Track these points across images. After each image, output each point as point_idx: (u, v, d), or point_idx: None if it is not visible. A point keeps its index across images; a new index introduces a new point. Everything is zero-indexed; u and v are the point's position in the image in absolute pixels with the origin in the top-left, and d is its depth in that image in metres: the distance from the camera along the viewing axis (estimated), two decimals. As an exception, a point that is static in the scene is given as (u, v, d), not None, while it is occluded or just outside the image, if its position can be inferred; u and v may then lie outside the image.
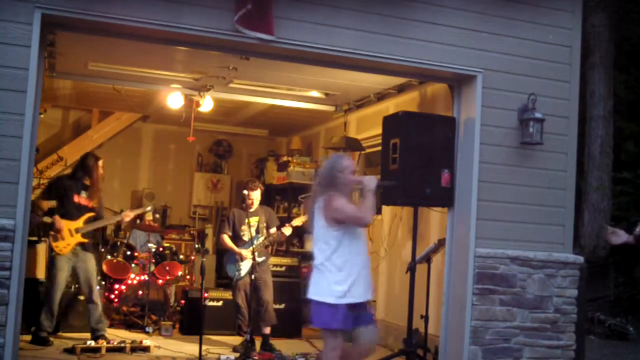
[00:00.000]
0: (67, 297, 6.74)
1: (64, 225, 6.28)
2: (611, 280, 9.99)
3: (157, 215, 9.54)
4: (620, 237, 4.99)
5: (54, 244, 6.28)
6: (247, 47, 5.25)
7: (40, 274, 7.07)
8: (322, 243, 4.33)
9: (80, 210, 6.40)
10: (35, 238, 7.20)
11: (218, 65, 6.40)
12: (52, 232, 6.29)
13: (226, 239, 6.72)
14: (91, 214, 6.44)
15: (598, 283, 9.31)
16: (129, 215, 6.76)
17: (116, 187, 10.25)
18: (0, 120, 4.52)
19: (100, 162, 6.55)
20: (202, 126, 9.98)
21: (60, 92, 8.83)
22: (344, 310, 4.25)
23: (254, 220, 6.51)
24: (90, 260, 6.46)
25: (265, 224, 6.74)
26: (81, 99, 9.42)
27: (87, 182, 6.47)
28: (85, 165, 6.53)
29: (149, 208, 7.48)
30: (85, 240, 6.39)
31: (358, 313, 4.33)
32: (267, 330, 6.63)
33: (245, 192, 6.68)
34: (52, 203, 6.45)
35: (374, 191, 4.36)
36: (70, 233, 6.31)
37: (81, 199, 6.42)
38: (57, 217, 6.29)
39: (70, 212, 6.36)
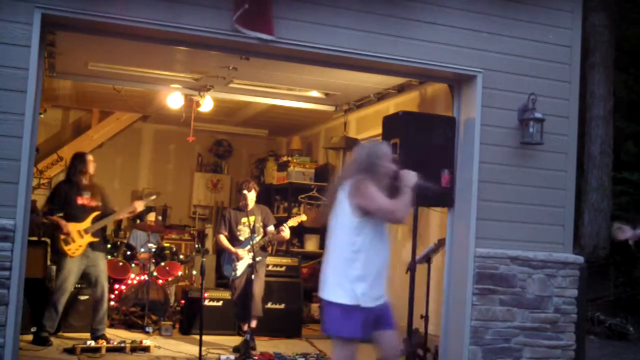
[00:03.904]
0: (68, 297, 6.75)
1: (72, 227, 6.29)
2: (611, 280, 9.99)
3: (160, 217, 9.55)
4: (625, 232, 4.98)
5: (65, 248, 6.28)
6: (247, 47, 5.25)
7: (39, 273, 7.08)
8: (341, 233, 3.79)
9: (85, 211, 6.40)
10: (35, 238, 7.20)
11: (218, 65, 6.40)
12: (63, 236, 6.28)
13: (223, 239, 6.73)
14: (97, 213, 6.45)
15: (598, 283, 9.31)
16: (140, 204, 6.72)
17: (116, 187, 10.24)
18: (0, 120, 4.52)
19: (87, 157, 6.48)
20: (202, 126, 9.99)
21: (60, 92, 8.83)
22: (361, 314, 3.68)
23: (250, 220, 6.51)
24: (101, 260, 6.50)
25: (261, 223, 6.75)
26: (81, 99, 9.43)
27: (86, 182, 6.47)
28: (75, 166, 6.48)
29: (152, 197, 7.40)
30: (96, 239, 6.41)
31: (378, 316, 3.77)
32: (253, 323, 6.59)
33: (245, 192, 6.69)
34: (60, 213, 6.49)
35: (413, 188, 3.83)
36: (80, 234, 6.31)
37: (84, 199, 6.43)
38: (63, 221, 6.30)
39: (76, 214, 6.36)
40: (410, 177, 3.86)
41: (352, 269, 3.71)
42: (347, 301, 3.68)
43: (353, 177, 3.79)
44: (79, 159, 6.54)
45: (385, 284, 3.85)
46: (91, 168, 6.48)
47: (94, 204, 6.45)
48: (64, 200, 6.38)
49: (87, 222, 6.35)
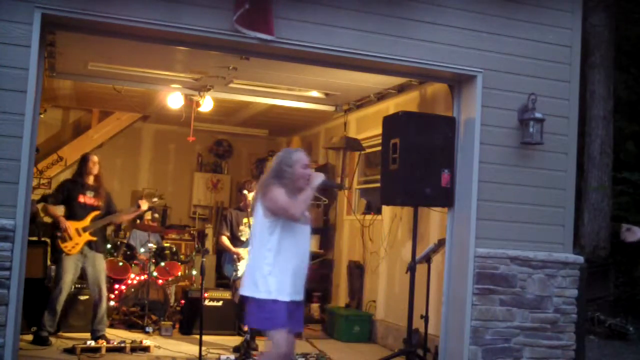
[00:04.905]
0: (67, 296, 6.74)
1: (70, 225, 6.31)
2: (611, 280, 9.99)
3: (157, 215, 9.54)
4: (635, 233, 4.95)
5: (62, 245, 6.30)
6: (247, 47, 5.25)
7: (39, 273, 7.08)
8: (258, 233, 4.16)
9: (86, 209, 6.44)
10: (35, 238, 7.21)
11: (218, 65, 6.39)
12: (58, 233, 6.31)
13: (225, 240, 6.74)
14: (96, 213, 6.47)
15: (598, 283, 9.31)
16: (145, 204, 6.75)
17: (116, 187, 10.22)
18: (0, 120, 4.52)
19: (93, 158, 6.58)
20: (202, 126, 9.98)
21: (60, 92, 8.83)
22: (281, 306, 4.00)
23: (251, 220, 6.50)
24: (99, 260, 6.50)
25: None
26: (81, 99, 9.42)
27: (91, 182, 6.52)
28: (79, 166, 6.63)
29: (155, 200, 7.41)
30: (94, 239, 6.42)
31: (292, 313, 4.08)
32: None
33: (245, 192, 6.70)
34: (61, 208, 6.50)
35: (316, 188, 4.20)
36: (78, 232, 6.34)
37: (86, 198, 6.46)
38: (62, 218, 6.32)
39: (76, 212, 6.41)
40: (316, 178, 4.23)
41: (266, 265, 4.05)
42: (263, 296, 4.01)
43: (266, 182, 4.21)
44: (83, 159, 6.67)
45: (301, 283, 4.17)
46: (94, 168, 6.54)
47: (95, 203, 6.48)
48: (65, 196, 6.44)
49: (86, 221, 6.38)
